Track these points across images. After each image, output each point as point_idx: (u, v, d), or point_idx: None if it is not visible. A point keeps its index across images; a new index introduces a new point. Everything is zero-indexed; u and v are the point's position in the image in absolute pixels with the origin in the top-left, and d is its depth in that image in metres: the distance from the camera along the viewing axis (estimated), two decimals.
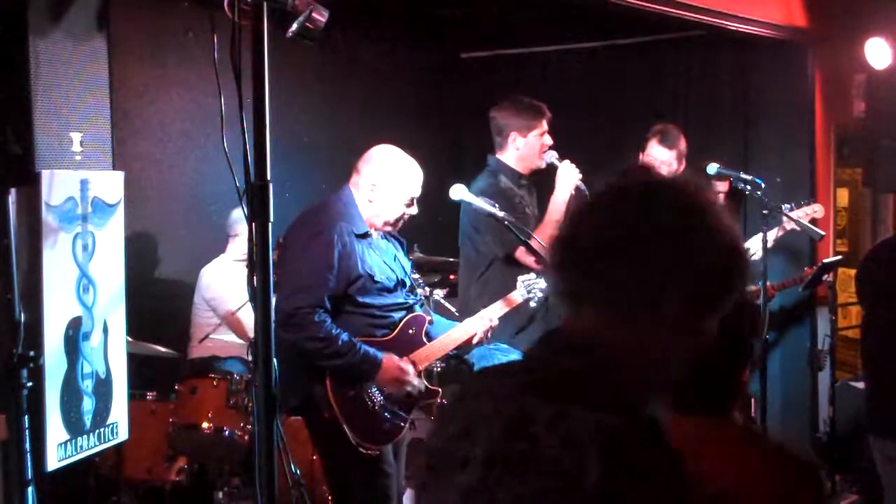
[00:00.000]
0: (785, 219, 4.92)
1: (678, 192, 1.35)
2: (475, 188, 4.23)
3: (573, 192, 4.23)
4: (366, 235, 3.55)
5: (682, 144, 4.82)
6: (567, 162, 4.28)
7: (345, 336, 3.41)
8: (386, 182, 3.55)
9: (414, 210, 3.61)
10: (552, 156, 4.31)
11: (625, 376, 1.30)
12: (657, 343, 1.32)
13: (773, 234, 4.89)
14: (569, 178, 4.23)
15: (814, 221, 5.08)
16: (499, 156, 4.37)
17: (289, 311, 3.35)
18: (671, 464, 1.23)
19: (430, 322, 3.73)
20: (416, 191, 3.60)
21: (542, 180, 4.37)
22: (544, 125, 4.33)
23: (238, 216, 5.04)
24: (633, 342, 1.31)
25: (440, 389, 3.90)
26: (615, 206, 1.35)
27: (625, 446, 1.19)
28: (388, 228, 3.64)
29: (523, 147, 4.33)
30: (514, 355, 4.25)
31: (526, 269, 4.03)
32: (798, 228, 4.95)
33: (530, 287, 3.88)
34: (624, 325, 1.31)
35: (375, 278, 3.50)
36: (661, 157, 4.78)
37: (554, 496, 1.17)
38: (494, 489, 1.21)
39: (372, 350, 3.47)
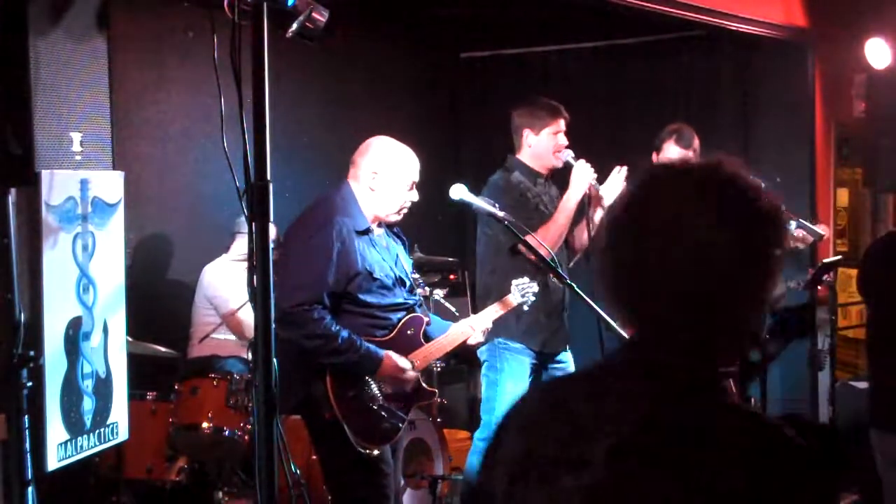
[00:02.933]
0: (790, 233, 4.92)
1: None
2: (489, 183, 4.37)
3: (587, 192, 4.27)
4: (366, 232, 3.55)
5: (697, 143, 4.83)
6: (582, 161, 4.32)
7: (344, 333, 3.41)
8: (387, 168, 3.57)
9: (415, 195, 3.62)
10: (568, 154, 4.37)
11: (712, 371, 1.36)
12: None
13: None
14: (583, 177, 4.27)
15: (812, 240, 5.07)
16: (517, 155, 4.45)
17: (287, 309, 3.35)
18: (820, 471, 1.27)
19: (428, 323, 3.74)
20: (416, 175, 3.62)
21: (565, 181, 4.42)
22: (560, 125, 4.40)
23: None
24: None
25: (436, 390, 3.92)
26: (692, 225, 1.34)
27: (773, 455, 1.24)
28: (394, 218, 3.64)
29: (535, 144, 4.41)
30: (525, 355, 4.33)
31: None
32: (803, 243, 4.96)
33: (524, 291, 3.92)
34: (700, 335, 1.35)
35: (374, 275, 3.50)
36: (678, 158, 4.78)
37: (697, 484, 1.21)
38: (632, 481, 1.23)
39: (373, 347, 3.48)
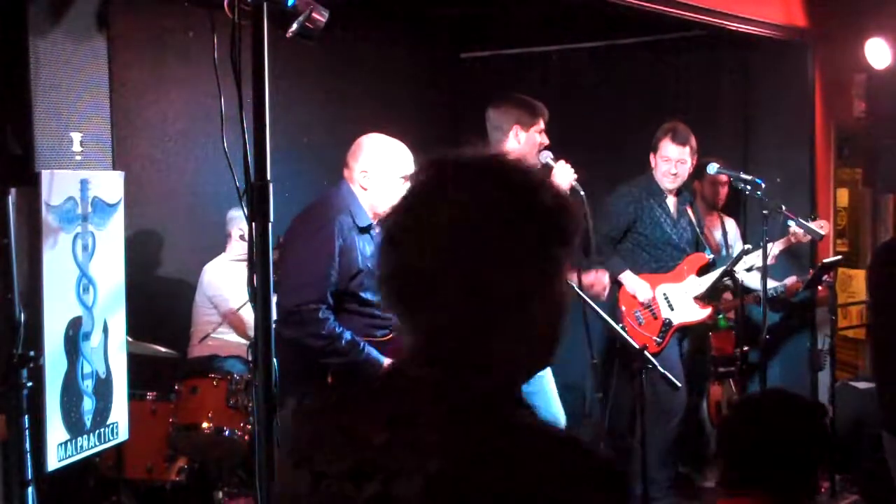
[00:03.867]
0: (789, 233, 4.92)
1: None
2: None
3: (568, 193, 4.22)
4: (368, 229, 3.56)
5: (693, 140, 4.82)
6: (562, 162, 4.27)
7: (347, 335, 3.41)
8: (376, 166, 3.57)
9: None
10: (547, 156, 4.29)
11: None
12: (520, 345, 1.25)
13: (776, 249, 4.89)
14: (564, 178, 4.22)
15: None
16: None
17: (291, 308, 3.35)
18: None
19: None
20: (409, 169, 3.61)
21: None
22: (542, 123, 4.34)
23: (233, 215, 5.07)
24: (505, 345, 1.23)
25: None
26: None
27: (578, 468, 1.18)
28: None
29: (524, 141, 4.33)
30: None
31: None
32: (801, 241, 4.96)
33: None
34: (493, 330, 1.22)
35: (376, 273, 3.50)
36: (675, 155, 4.77)
37: None
38: None
39: (374, 353, 3.48)
